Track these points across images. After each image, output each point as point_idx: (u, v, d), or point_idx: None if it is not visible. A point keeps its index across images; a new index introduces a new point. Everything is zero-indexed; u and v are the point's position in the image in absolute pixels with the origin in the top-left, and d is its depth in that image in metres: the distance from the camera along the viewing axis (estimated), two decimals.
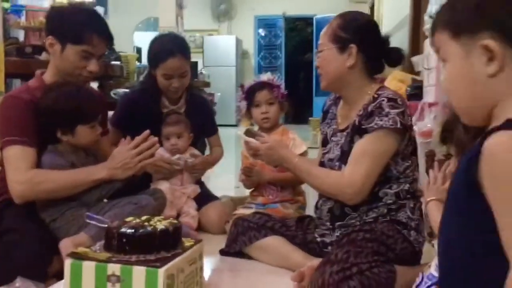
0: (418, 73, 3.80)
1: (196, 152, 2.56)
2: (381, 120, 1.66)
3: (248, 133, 2.07)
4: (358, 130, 1.72)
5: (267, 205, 2.37)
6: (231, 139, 5.42)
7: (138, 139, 1.95)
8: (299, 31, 13.09)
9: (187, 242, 1.49)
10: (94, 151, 2.03)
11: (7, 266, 1.61)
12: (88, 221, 1.75)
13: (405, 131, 1.68)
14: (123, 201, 1.91)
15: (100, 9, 4.63)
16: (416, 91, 3.32)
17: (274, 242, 1.94)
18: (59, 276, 1.63)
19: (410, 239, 1.71)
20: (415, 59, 3.55)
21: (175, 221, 1.49)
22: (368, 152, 1.68)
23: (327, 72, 1.81)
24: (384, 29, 7.34)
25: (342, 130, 1.84)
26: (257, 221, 1.99)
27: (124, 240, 1.34)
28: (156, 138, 1.99)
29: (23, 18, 5.54)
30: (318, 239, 1.87)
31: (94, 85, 3.69)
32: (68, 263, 1.35)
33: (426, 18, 3.13)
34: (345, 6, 10.01)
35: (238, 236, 2.00)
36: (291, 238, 1.94)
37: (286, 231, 1.96)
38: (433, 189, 1.42)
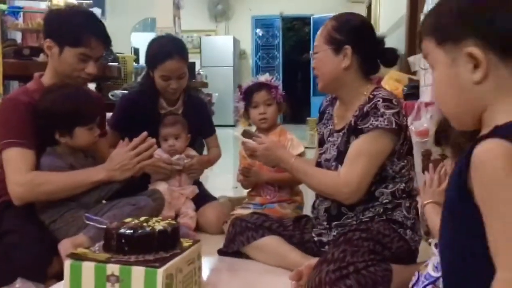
0: (414, 73, 3.82)
1: (192, 152, 2.57)
2: (376, 121, 1.67)
3: (245, 134, 2.08)
4: (354, 131, 1.74)
5: (265, 205, 2.39)
6: (229, 139, 5.43)
7: (136, 140, 1.96)
8: (297, 31, 13.10)
9: (185, 242, 1.51)
10: (92, 153, 2.04)
11: (7, 267, 1.62)
12: (87, 222, 1.76)
13: (400, 131, 1.70)
14: (121, 202, 1.92)
15: (97, 10, 4.62)
16: (413, 91, 3.34)
17: (271, 242, 1.95)
18: (59, 277, 1.64)
19: (406, 238, 1.72)
20: (411, 59, 3.56)
21: (174, 222, 1.50)
22: (363, 152, 1.69)
23: (323, 74, 1.83)
24: (381, 29, 7.36)
25: (339, 131, 1.86)
26: (255, 221, 2.00)
27: (123, 240, 1.36)
28: (154, 140, 2.00)
29: (20, 20, 5.53)
30: (315, 239, 1.89)
31: (92, 86, 3.69)
32: (67, 263, 1.37)
33: (422, 18, 3.15)
34: (342, 6, 10.03)
35: (236, 236, 2.01)
36: (289, 238, 1.95)
37: (284, 231, 1.98)
38: (429, 192, 1.43)
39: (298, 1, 11.14)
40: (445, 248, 0.90)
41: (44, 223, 1.88)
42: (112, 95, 3.87)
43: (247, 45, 11.77)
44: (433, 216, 1.36)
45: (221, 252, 2.07)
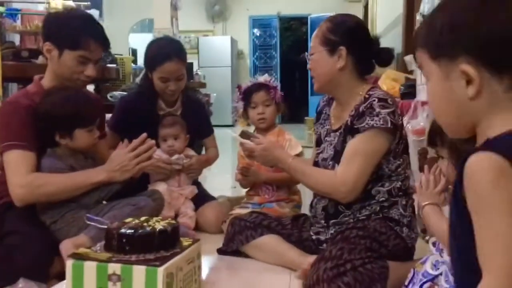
0: (411, 72, 3.84)
1: (191, 152, 2.59)
2: (372, 120, 1.69)
3: (243, 134, 2.10)
4: (350, 130, 1.76)
5: (263, 205, 2.41)
6: (227, 139, 5.44)
7: (135, 142, 1.98)
8: (294, 30, 13.12)
9: (185, 241, 1.53)
10: (92, 154, 2.06)
11: (9, 268, 1.65)
12: (88, 222, 1.78)
13: (396, 130, 1.72)
14: (121, 202, 1.94)
15: (95, 12, 4.64)
16: (410, 90, 3.37)
17: (270, 241, 1.97)
18: (60, 277, 1.66)
19: (402, 235, 1.75)
20: (408, 58, 3.58)
21: (174, 222, 1.52)
22: (360, 152, 1.71)
23: (318, 75, 1.85)
24: (378, 28, 7.39)
25: (335, 130, 1.88)
26: (254, 220, 2.02)
27: (124, 240, 1.38)
28: (153, 141, 2.02)
29: (18, 22, 5.55)
30: (313, 237, 1.90)
31: (91, 88, 3.71)
32: (69, 263, 1.39)
33: (418, 17, 3.17)
34: (339, 5, 10.07)
35: (235, 235, 2.03)
36: (287, 237, 1.97)
37: (282, 229, 2.00)
38: (426, 194, 1.43)
39: (295, 1, 11.15)
40: (454, 255, 0.91)
41: (45, 224, 1.90)
42: (111, 97, 3.88)
43: (245, 45, 11.77)
44: (432, 217, 1.37)
45: (220, 251, 2.08)
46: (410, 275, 1.41)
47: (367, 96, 1.76)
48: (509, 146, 0.77)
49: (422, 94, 2.91)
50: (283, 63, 12.03)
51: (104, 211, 1.90)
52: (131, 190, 2.05)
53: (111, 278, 1.33)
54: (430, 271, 1.33)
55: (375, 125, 1.68)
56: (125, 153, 1.96)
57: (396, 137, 1.74)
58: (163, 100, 2.59)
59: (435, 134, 1.43)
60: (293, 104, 9.16)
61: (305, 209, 2.30)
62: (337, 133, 1.86)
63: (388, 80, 3.89)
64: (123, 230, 1.40)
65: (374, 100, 1.71)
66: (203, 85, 7.43)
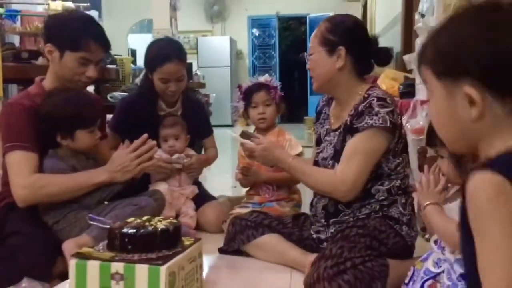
0: (410, 71, 3.85)
1: (191, 152, 2.60)
2: (371, 119, 1.70)
3: (244, 135, 2.12)
4: (350, 130, 1.77)
5: (264, 204, 2.42)
6: (227, 139, 5.45)
7: (136, 142, 2.00)
8: (293, 30, 13.12)
9: (186, 240, 1.54)
10: (93, 155, 2.07)
11: (13, 268, 1.65)
12: (90, 222, 1.79)
13: (395, 129, 1.73)
14: (123, 202, 1.95)
15: (94, 13, 4.65)
16: (409, 89, 3.37)
17: (271, 240, 1.98)
18: (63, 277, 1.68)
19: (402, 233, 1.76)
20: (407, 57, 3.58)
21: (175, 221, 1.54)
22: (359, 151, 1.73)
23: (317, 75, 1.86)
24: (376, 28, 7.39)
25: (335, 130, 1.89)
26: (254, 219, 2.03)
27: (127, 239, 1.40)
28: (154, 142, 2.03)
29: (18, 23, 5.55)
30: (314, 236, 1.92)
31: (91, 89, 3.71)
32: (73, 262, 1.40)
33: (417, 16, 3.18)
34: (338, 5, 10.07)
35: (236, 234, 2.04)
36: (288, 236, 1.99)
37: (283, 228, 2.01)
38: (427, 194, 1.44)
39: (294, 0, 11.16)
40: (465, 271, 0.92)
41: (47, 224, 1.91)
42: (111, 97, 3.89)
43: (244, 45, 11.78)
44: (434, 217, 1.37)
45: (221, 251, 2.10)
46: (410, 273, 1.42)
47: (366, 95, 1.77)
48: (508, 165, 0.78)
49: (421, 93, 2.91)
50: (282, 63, 12.04)
51: (106, 211, 1.91)
52: (132, 190, 2.06)
53: (114, 277, 1.35)
54: (432, 269, 1.34)
55: (374, 124, 1.69)
56: (126, 153, 1.98)
57: (395, 136, 1.75)
58: (163, 100, 2.60)
59: (434, 135, 1.44)
60: (292, 103, 9.19)
61: (305, 208, 2.32)
62: (337, 133, 1.87)
63: (387, 79, 3.90)
64: (125, 230, 1.41)
65: (373, 100, 1.72)
66: (203, 85, 7.44)
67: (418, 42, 3.04)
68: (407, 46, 4.76)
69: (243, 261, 2.03)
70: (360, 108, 1.74)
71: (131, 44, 9.89)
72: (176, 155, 2.48)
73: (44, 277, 1.67)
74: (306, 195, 2.47)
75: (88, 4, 5.16)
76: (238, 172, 2.50)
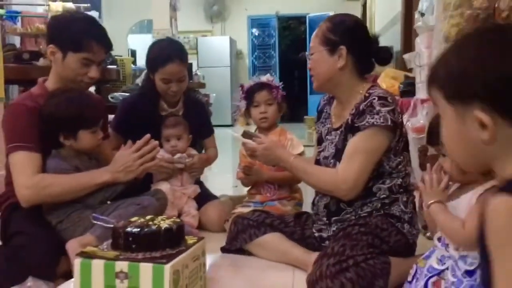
0: (410, 70, 3.84)
1: (192, 151, 2.61)
2: (372, 118, 1.71)
3: (245, 134, 2.12)
4: (351, 129, 1.78)
5: (265, 203, 2.43)
6: (227, 139, 5.47)
7: (139, 143, 2.01)
8: (292, 30, 13.13)
9: (190, 239, 1.55)
10: (96, 155, 2.08)
11: (17, 268, 1.66)
12: (94, 222, 1.81)
13: (396, 128, 1.73)
14: (126, 202, 1.96)
15: (94, 14, 4.66)
16: (409, 88, 3.38)
17: (273, 239, 1.99)
18: (67, 276, 1.69)
19: (403, 231, 1.76)
20: (407, 56, 3.58)
21: (178, 220, 1.54)
22: (360, 149, 1.73)
23: (318, 74, 1.87)
24: (376, 27, 7.40)
25: (336, 129, 1.90)
26: (256, 218, 2.04)
27: (131, 238, 1.40)
28: (156, 142, 2.04)
29: (18, 24, 5.57)
30: (316, 234, 1.93)
31: (91, 89, 3.72)
32: (77, 261, 1.41)
33: (416, 15, 3.18)
34: (337, 4, 10.08)
35: (238, 234, 2.05)
36: (290, 234, 1.99)
37: (285, 227, 2.02)
38: (430, 192, 1.44)
39: (293, 0, 11.17)
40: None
41: (51, 224, 1.92)
42: (112, 98, 3.91)
43: (244, 45, 11.79)
44: (439, 215, 1.37)
45: (224, 250, 2.10)
46: (412, 271, 1.42)
47: (367, 94, 1.78)
48: None
49: (421, 92, 2.92)
50: (282, 62, 12.04)
51: (109, 210, 1.92)
52: (134, 190, 2.06)
53: (118, 276, 1.36)
54: (436, 266, 1.35)
55: (375, 123, 1.70)
56: (129, 154, 1.99)
57: (396, 134, 1.75)
58: (165, 101, 2.61)
59: (434, 134, 1.45)
60: (292, 103, 9.17)
61: (306, 207, 2.33)
62: (338, 132, 1.88)
63: (388, 78, 3.91)
64: (129, 229, 1.42)
65: (374, 99, 1.73)
66: (203, 85, 7.45)
67: (418, 41, 3.05)
68: (407, 45, 4.77)
69: (245, 260, 2.03)
70: (361, 107, 1.75)
71: (131, 44, 9.91)
72: (178, 155, 2.49)
73: (49, 277, 1.68)
74: (308, 194, 2.48)
75: (89, 4, 5.17)
76: (240, 171, 2.51)
